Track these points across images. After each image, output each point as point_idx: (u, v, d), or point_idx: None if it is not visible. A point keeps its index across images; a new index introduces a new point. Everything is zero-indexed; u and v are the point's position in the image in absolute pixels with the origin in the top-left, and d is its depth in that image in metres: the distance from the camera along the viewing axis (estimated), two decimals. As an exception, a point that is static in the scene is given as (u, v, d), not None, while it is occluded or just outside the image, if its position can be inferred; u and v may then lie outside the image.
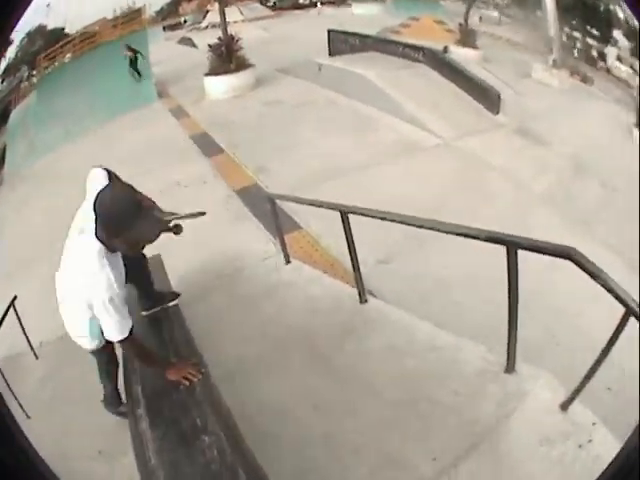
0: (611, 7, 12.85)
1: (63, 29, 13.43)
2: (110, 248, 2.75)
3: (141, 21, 14.57)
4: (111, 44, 13.77)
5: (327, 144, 9.89)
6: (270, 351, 4.15)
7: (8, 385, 4.17)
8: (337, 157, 9.31)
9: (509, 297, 3.11)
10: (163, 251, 4.55)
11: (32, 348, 5.24)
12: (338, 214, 4.40)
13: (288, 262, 5.84)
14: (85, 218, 2.79)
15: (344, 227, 4.44)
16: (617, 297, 2.50)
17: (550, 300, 5.58)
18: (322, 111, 11.76)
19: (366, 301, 4.64)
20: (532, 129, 10.67)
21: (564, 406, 3.01)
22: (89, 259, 2.72)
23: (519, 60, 14.07)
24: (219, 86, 13.72)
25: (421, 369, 3.58)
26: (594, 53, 13.34)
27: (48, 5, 12.31)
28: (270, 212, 5.90)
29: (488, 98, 11.58)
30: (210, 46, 13.84)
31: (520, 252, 2.93)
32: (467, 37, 14.50)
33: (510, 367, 3.32)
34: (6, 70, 12.54)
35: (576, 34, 13.66)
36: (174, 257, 4.87)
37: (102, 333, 2.92)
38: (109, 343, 3.13)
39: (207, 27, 18.03)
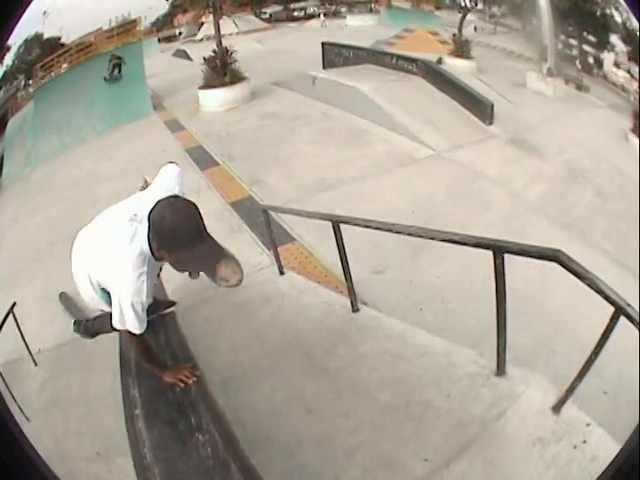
0: (608, 11, 12.87)
1: (59, 39, 13.43)
2: (157, 257, 2.71)
3: (136, 33, 14.55)
4: (107, 55, 13.77)
5: (322, 157, 9.90)
6: (264, 357, 4.17)
7: (8, 388, 4.15)
8: (331, 169, 9.31)
9: (497, 300, 3.16)
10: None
11: (31, 354, 5.26)
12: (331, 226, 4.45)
13: (282, 273, 5.88)
14: (141, 206, 2.72)
15: (336, 237, 4.48)
16: (606, 297, 2.55)
17: (545, 305, 5.62)
18: (316, 124, 11.75)
19: (358, 310, 4.68)
20: (526, 139, 10.70)
21: (556, 408, 3.05)
22: (129, 255, 2.65)
23: (514, 69, 14.05)
24: (214, 99, 13.72)
25: (413, 373, 3.62)
26: (590, 60, 13.34)
27: (45, 13, 12.32)
28: (264, 224, 5.95)
29: (481, 109, 11.61)
30: (205, 59, 13.79)
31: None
32: (461, 48, 14.49)
33: (501, 370, 3.36)
34: (3, 78, 12.53)
35: (572, 41, 13.65)
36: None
37: None
38: None
39: (202, 39, 18.03)
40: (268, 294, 5.32)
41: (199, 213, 2.64)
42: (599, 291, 2.56)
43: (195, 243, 2.54)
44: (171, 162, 3.27)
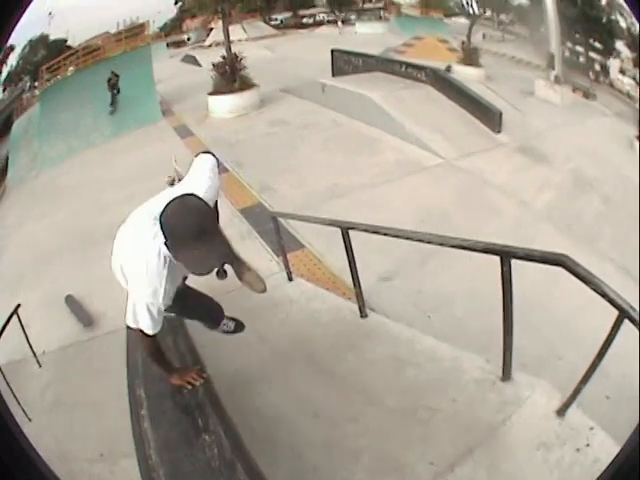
0: (613, 17, 12.86)
1: (65, 41, 13.39)
2: (174, 258, 2.59)
3: (145, 37, 14.51)
4: (115, 59, 13.67)
5: (331, 164, 9.94)
6: (272, 362, 4.22)
7: (10, 388, 4.19)
8: (341, 177, 9.35)
9: (504, 306, 3.19)
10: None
11: (35, 356, 5.32)
12: (340, 233, 4.49)
13: (291, 279, 5.92)
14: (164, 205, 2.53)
15: (344, 243, 4.53)
16: (610, 301, 2.57)
17: (551, 312, 5.65)
18: (326, 132, 11.79)
19: (366, 315, 4.73)
20: (534, 147, 10.72)
21: (560, 412, 3.07)
22: (150, 256, 2.60)
23: (522, 77, 14.05)
24: (223, 105, 13.76)
25: (420, 378, 3.66)
26: (597, 67, 13.32)
27: (50, 14, 12.27)
28: (273, 230, 6.00)
29: (490, 117, 11.63)
30: (214, 65, 13.81)
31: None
32: (470, 55, 14.49)
33: (507, 375, 3.39)
34: (8, 78, 12.52)
35: (579, 48, 13.63)
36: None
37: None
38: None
39: (211, 45, 18.04)
40: (277, 300, 5.33)
41: (210, 211, 2.56)
42: (603, 294, 2.59)
43: (199, 240, 2.38)
44: (205, 152, 3.15)
